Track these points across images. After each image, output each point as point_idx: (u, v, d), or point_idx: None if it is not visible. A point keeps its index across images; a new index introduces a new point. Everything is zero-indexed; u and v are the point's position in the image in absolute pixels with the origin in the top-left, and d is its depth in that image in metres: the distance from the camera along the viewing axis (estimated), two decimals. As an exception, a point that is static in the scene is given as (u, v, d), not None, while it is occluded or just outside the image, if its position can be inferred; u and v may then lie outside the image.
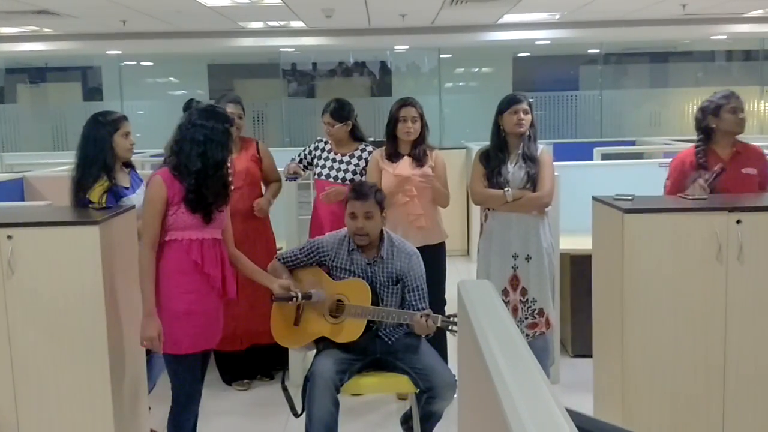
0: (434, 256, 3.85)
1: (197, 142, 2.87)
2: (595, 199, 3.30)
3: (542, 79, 11.67)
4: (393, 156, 3.95)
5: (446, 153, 4.78)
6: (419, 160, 3.92)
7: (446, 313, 3.40)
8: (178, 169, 2.89)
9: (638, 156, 7.40)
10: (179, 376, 2.98)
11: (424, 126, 3.96)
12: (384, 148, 4.01)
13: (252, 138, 4.42)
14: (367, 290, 3.22)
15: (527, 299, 3.80)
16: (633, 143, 8.49)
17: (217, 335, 3.05)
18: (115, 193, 3.31)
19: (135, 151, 3.52)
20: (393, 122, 3.93)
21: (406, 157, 3.93)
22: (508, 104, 3.78)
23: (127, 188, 3.43)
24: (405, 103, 3.94)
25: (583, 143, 8.43)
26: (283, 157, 4.59)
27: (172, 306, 2.89)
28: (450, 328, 3.09)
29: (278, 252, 3.96)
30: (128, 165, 3.52)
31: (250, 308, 4.14)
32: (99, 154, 3.27)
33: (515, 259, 3.77)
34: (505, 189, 3.72)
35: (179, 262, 2.89)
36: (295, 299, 3.15)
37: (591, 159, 6.50)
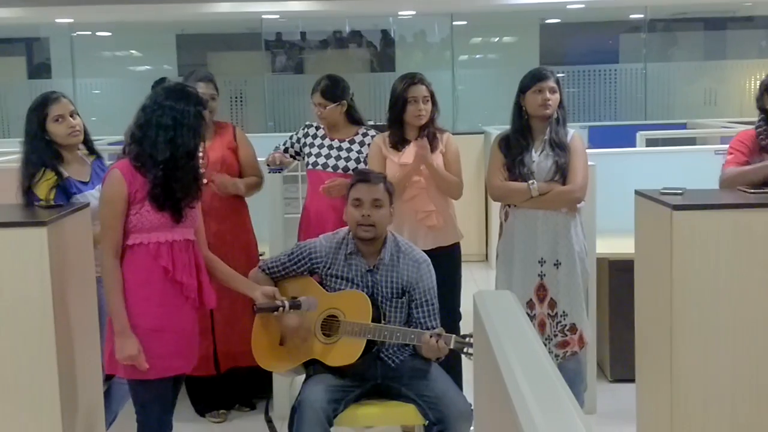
0: (448, 261, 3.86)
1: (165, 127, 2.87)
2: (638, 193, 3.30)
3: (575, 51, 11.65)
4: (399, 143, 3.95)
5: (460, 139, 4.77)
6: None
7: (461, 331, 3.40)
8: (142, 159, 2.89)
9: (690, 141, 7.39)
10: (147, 406, 2.98)
11: (434, 106, 3.96)
12: (388, 134, 4.00)
13: (228, 122, 4.43)
14: (366, 304, 3.22)
15: (556, 313, 3.80)
16: (684, 126, 8.48)
17: (193, 355, 3.07)
18: (65, 189, 3.32)
19: (94, 138, 3.54)
20: (400, 104, 3.90)
21: (413, 143, 3.92)
22: (531, 81, 3.78)
23: (85, 183, 3.43)
24: (413, 80, 3.92)
25: (623, 126, 8.42)
26: (265, 145, 4.59)
27: (138, 322, 2.89)
28: (465, 350, 3.08)
29: (260, 259, 3.97)
30: (93, 152, 3.55)
31: (227, 324, 4.14)
32: (36, 147, 3.33)
33: (542, 265, 3.78)
34: (530, 182, 3.72)
35: (146, 269, 2.90)
36: (281, 309, 3.15)
37: (633, 145, 6.50)
